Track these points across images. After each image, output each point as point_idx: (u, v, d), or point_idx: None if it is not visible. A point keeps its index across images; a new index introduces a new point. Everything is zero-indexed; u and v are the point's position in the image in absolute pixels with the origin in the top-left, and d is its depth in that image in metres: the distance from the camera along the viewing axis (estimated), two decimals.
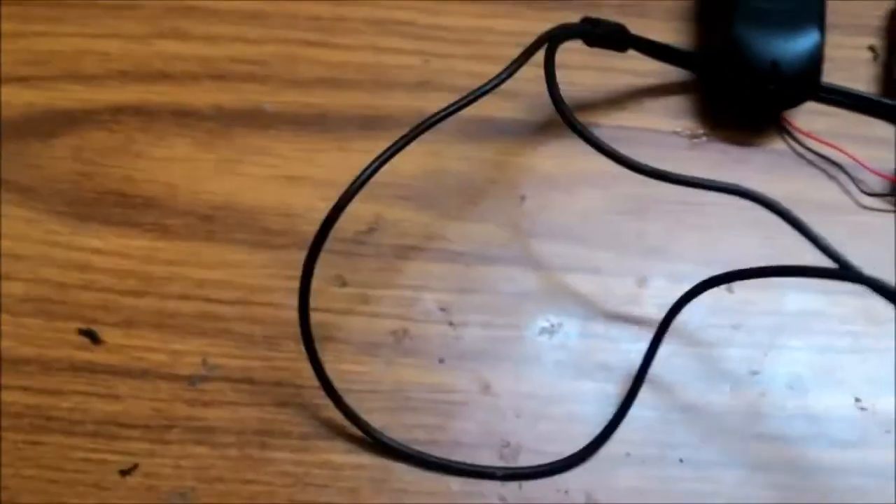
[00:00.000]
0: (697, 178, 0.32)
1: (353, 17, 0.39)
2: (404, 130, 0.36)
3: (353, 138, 0.37)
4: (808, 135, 0.37)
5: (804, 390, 0.33)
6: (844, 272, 0.30)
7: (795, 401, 0.33)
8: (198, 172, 0.36)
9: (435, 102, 0.37)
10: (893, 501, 0.32)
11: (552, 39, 0.33)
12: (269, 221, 0.35)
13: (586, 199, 0.36)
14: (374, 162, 0.30)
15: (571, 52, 0.36)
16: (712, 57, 0.36)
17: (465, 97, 0.31)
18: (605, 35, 0.35)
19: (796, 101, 0.36)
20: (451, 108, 0.31)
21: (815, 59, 0.34)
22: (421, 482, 0.32)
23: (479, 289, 0.35)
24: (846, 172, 0.36)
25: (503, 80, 0.32)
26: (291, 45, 0.39)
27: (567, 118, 0.32)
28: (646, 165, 0.32)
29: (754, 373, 0.34)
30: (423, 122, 0.31)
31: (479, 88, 0.31)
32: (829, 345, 0.34)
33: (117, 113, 0.37)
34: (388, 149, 0.30)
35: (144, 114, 0.37)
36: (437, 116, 0.31)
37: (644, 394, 0.33)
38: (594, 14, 0.36)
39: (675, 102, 0.38)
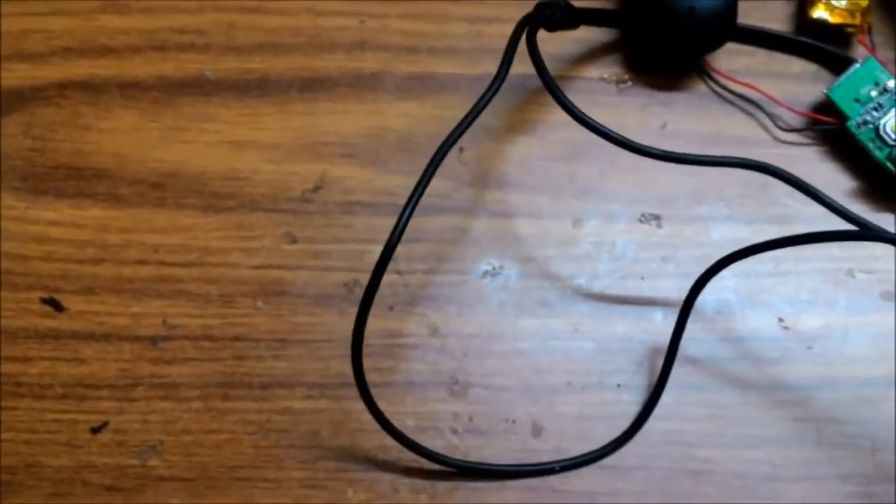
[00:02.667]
0: (709, 157, 0.34)
1: None
2: (343, 91, 0.38)
3: (293, 100, 0.38)
4: (726, 76, 0.39)
5: (731, 314, 0.36)
6: (866, 232, 0.32)
7: (723, 324, 0.36)
8: (145, 142, 0.38)
9: (371, 62, 0.38)
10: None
11: (531, 24, 0.34)
12: (217, 185, 0.37)
13: (522, 147, 0.38)
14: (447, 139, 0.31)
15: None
16: (636, 10, 0.38)
17: (481, 100, 0.33)
18: (564, 19, 0.36)
19: (715, 45, 0.37)
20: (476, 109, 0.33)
21: (730, 3, 0.36)
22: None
23: (423, 238, 0.37)
24: (763, 109, 0.38)
25: (505, 75, 0.34)
26: (229, 12, 0.40)
27: (561, 101, 0.34)
28: (646, 146, 0.34)
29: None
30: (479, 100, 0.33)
31: (489, 88, 0.33)
32: (753, 270, 0.36)
33: (64, 89, 0.38)
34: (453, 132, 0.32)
35: (90, 88, 0.38)
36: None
37: (584, 325, 0.35)
38: None
39: (602, 53, 0.40)
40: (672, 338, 0.34)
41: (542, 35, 0.37)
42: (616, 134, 0.34)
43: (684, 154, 0.34)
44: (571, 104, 0.34)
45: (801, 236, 0.31)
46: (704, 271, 0.33)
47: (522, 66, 0.36)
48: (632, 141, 0.34)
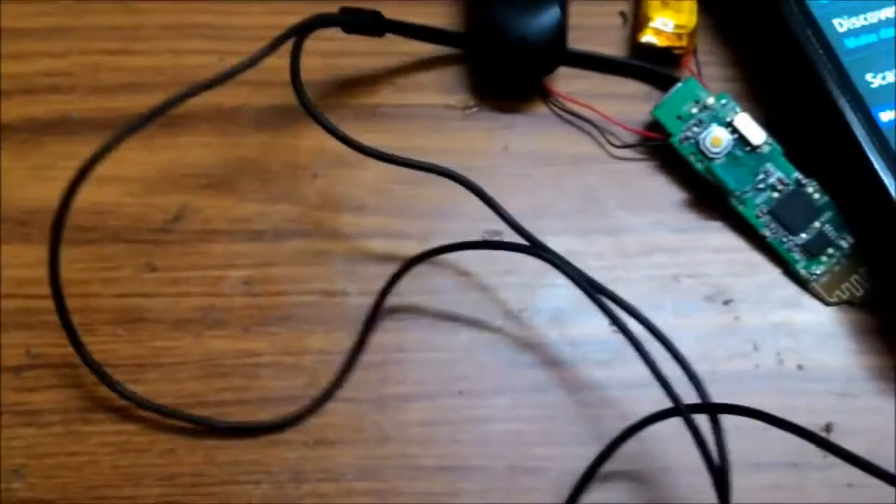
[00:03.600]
0: (405, 159, 0.37)
1: (151, 25, 0.42)
2: (205, 126, 0.40)
3: (156, 136, 0.40)
4: (564, 97, 0.41)
5: (565, 321, 0.38)
6: (532, 248, 0.36)
7: (558, 330, 0.38)
8: (13, 181, 0.39)
9: (231, 97, 0.41)
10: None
11: (301, 30, 0.37)
12: (81, 219, 0.39)
13: (372, 172, 0.40)
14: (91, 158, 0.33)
15: (355, 40, 0.40)
16: (471, 35, 0.41)
17: (189, 90, 0.35)
18: (361, 23, 0.39)
19: (547, 69, 0.40)
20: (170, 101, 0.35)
21: (558, 32, 0.39)
22: (230, 437, 0.36)
23: (278, 262, 0.39)
24: (598, 128, 0.41)
25: (240, 71, 0.36)
26: (94, 54, 0.42)
27: (307, 106, 0.37)
28: (365, 145, 0.37)
29: (522, 310, 0.38)
30: (138, 119, 0.34)
31: (196, 84, 0.35)
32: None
33: None
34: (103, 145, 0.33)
35: None
36: (148, 114, 0.35)
37: (426, 335, 0.38)
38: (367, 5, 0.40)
39: (449, 78, 0.42)
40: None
41: (391, 63, 0.40)
42: (360, 144, 0.37)
43: (391, 154, 0.38)
44: (321, 115, 0.37)
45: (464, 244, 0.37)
46: (390, 277, 0.37)
47: (382, 95, 0.38)
48: (369, 147, 0.37)
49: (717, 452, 0.34)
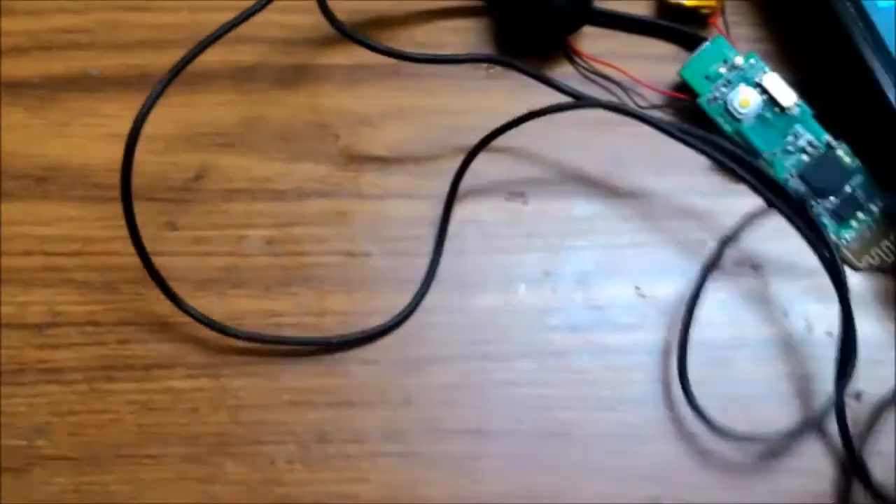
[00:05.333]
0: (438, 55, 0.38)
1: None
2: (223, 83, 0.40)
3: (175, 94, 0.40)
4: (589, 58, 0.40)
5: (590, 284, 0.38)
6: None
7: (583, 294, 0.38)
8: (30, 138, 0.39)
9: (249, 55, 0.40)
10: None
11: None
12: (100, 177, 0.38)
13: (395, 132, 0.40)
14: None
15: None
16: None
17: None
18: None
19: (572, 28, 0.39)
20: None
21: None
22: (254, 396, 0.36)
23: (300, 222, 0.39)
24: (624, 88, 0.40)
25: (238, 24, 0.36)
26: (113, 11, 0.41)
27: (343, 30, 0.37)
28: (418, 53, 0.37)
29: (546, 273, 0.38)
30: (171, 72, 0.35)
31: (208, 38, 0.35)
32: (611, 242, 0.38)
33: None
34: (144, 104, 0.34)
35: None
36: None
37: (451, 299, 0.37)
38: None
39: (471, 37, 0.41)
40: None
41: (415, 25, 0.39)
42: (369, 41, 0.37)
43: (422, 54, 0.38)
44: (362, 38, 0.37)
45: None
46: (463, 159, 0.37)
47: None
48: (381, 45, 0.37)
49: None
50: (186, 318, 0.37)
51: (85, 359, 0.36)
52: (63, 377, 0.36)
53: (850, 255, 0.38)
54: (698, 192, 0.39)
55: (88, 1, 0.41)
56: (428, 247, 0.38)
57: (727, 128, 0.39)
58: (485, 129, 0.38)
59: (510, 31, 0.41)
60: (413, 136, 0.39)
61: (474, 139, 0.38)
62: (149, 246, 0.37)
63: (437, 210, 0.38)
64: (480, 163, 0.39)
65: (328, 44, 0.40)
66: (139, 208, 0.38)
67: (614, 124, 0.40)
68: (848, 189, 0.38)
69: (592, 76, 0.41)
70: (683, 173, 0.39)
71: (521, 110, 0.40)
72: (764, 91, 0.38)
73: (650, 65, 0.41)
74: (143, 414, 0.36)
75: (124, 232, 0.37)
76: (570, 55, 0.41)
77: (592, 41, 0.41)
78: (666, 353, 0.37)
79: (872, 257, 0.38)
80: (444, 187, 0.39)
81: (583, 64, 0.41)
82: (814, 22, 0.39)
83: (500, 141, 0.38)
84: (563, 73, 0.41)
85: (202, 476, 0.35)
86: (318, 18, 0.40)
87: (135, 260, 0.38)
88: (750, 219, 0.36)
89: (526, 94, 0.40)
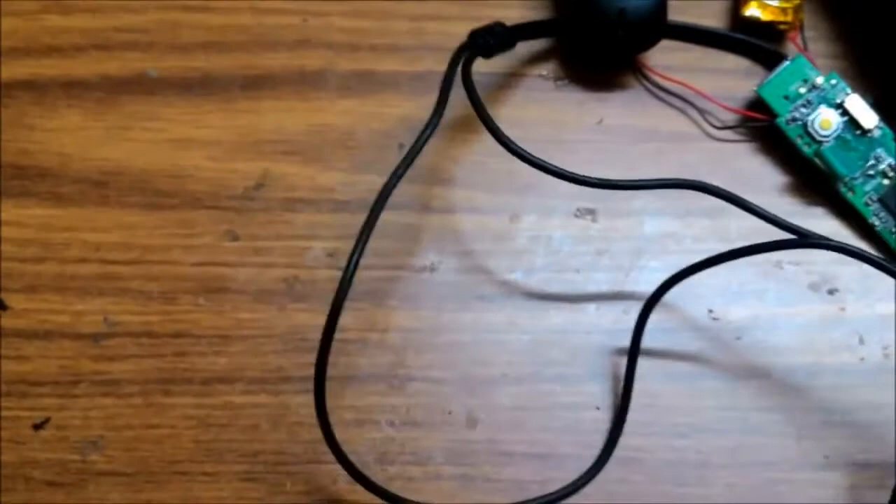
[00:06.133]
0: (642, 181, 0.35)
1: None
2: (286, 88, 0.39)
3: (236, 99, 0.39)
4: (659, 74, 0.39)
5: (663, 305, 0.37)
6: (804, 240, 0.33)
7: (655, 315, 0.36)
8: (89, 141, 0.38)
9: (314, 60, 0.39)
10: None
11: (466, 60, 0.35)
12: (160, 183, 0.37)
13: (462, 144, 0.39)
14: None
15: (444, 4, 0.39)
16: (567, 15, 0.38)
17: (418, 140, 0.34)
18: (500, 42, 0.37)
19: (646, 45, 0.38)
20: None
21: (659, 5, 0.37)
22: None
23: None
24: (695, 106, 0.39)
25: (441, 112, 0.34)
26: (172, 11, 0.40)
27: (496, 133, 0.34)
28: (581, 176, 0.34)
29: (617, 293, 0.37)
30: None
31: (427, 125, 0.34)
32: (684, 263, 0.37)
33: (9, 89, 0.38)
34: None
35: (35, 88, 0.39)
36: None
37: (520, 318, 0.36)
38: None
39: (538, 47, 0.40)
40: (630, 350, 0.35)
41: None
42: (551, 165, 0.34)
43: (619, 180, 0.35)
44: (507, 138, 0.34)
45: (748, 248, 0.33)
46: (667, 279, 0.35)
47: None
48: (566, 171, 0.34)
49: None
50: (246, 332, 0.36)
51: (141, 371, 0.35)
52: (119, 390, 0.35)
53: None
54: (773, 211, 0.37)
55: (147, 1, 0.40)
56: (495, 262, 0.37)
57: (806, 150, 0.37)
58: (553, 142, 0.37)
59: (580, 47, 0.39)
60: (480, 147, 0.38)
61: (542, 151, 0.37)
62: (208, 256, 0.37)
63: (504, 225, 0.37)
64: (549, 177, 0.38)
65: (394, 51, 0.39)
66: (198, 216, 0.37)
67: (686, 140, 0.39)
68: None
69: (661, 93, 0.40)
70: (758, 192, 0.38)
71: (591, 123, 0.39)
72: (845, 112, 0.37)
73: (723, 79, 0.40)
74: (200, 429, 0.35)
75: (183, 241, 0.37)
76: (639, 70, 0.40)
77: (665, 53, 0.40)
78: (738, 379, 0.36)
79: None
80: (512, 201, 0.37)
81: (651, 79, 0.39)
82: (894, 38, 0.38)
83: (566, 155, 0.37)
84: (633, 87, 0.40)
85: (260, 495, 0.35)
86: (382, 24, 0.39)
87: (194, 270, 0.37)
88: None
89: (595, 107, 0.39)
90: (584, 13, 0.37)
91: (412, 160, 0.33)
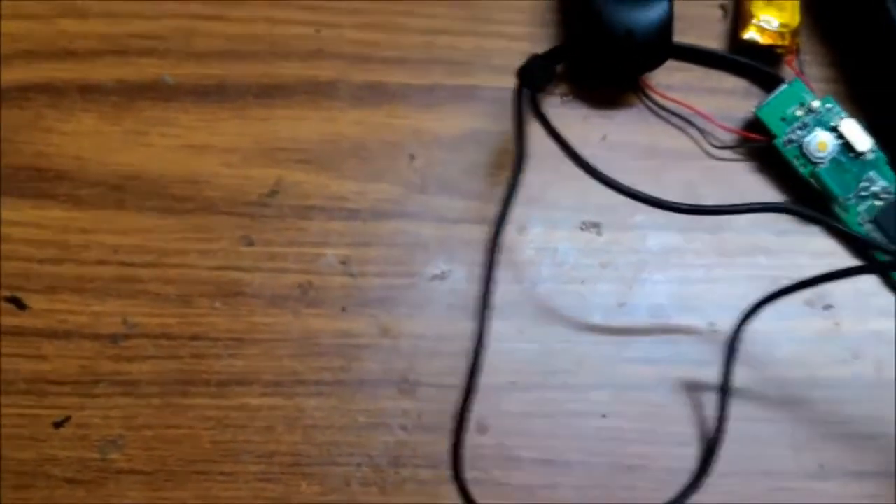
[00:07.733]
0: (731, 206, 0.37)
1: None
2: (300, 98, 0.39)
3: (250, 106, 0.40)
4: (660, 94, 0.41)
5: (665, 317, 0.38)
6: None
7: (657, 327, 0.38)
8: (106, 145, 0.39)
9: (327, 71, 0.40)
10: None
11: (533, 98, 0.37)
12: (176, 188, 0.38)
13: (471, 155, 0.40)
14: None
15: (453, 17, 0.40)
16: (576, 34, 0.40)
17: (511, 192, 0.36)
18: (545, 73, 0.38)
19: (652, 65, 0.40)
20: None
21: (666, 27, 0.38)
22: (329, 417, 0.36)
23: (375, 242, 0.38)
24: (695, 125, 0.41)
25: (522, 155, 0.36)
26: (188, 19, 0.41)
27: (585, 165, 0.35)
28: (674, 203, 0.35)
29: (621, 304, 0.38)
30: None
31: (515, 172, 0.36)
32: (686, 276, 0.38)
33: (26, 91, 0.39)
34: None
35: (52, 91, 0.39)
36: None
37: (528, 328, 0.37)
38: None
39: None
40: (723, 381, 0.36)
41: (487, 45, 0.39)
42: (645, 194, 0.35)
43: (710, 206, 0.36)
44: (595, 168, 0.35)
45: (829, 274, 0.35)
46: (744, 315, 0.37)
47: (478, 77, 0.37)
48: (661, 199, 0.35)
49: None
50: (261, 335, 0.37)
51: (160, 372, 0.36)
52: (137, 390, 0.36)
53: None
54: (773, 228, 0.39)
55: (163, 6, 0.41)
56: (503, 273, 0.38)
57: (803, 170, 0.39)
58: (558, 157, 0.38)
59: (586, 66, 0.40)
60: (489, 159, 0.39)
61: (548, 167, 0.38)
62: (224, 260, 0.37)
63: (512, 236, 0.38)
64: (554, 190, 0.39)
65: (404, 63, 0.40)
66: (214, 221, 0.38)
67: (687, 158, 0.40)
68: None
69: (663, 112, 0.41)
70: None
71: (596, 139, 0.40)
72: (840, 136, 0.39)
73: (723, 99, 0.41)
74: (218, 430, 0.36)
75: (200, 245, 0.37)
76: (640, 89, 0.41)
77: (667, 73, 0.41)
78: (739, 390, 0.37)
79: None
80: (520, 213, 0.39)
81: (653, 99, 0.41)
82: (887, 64, 0.39)
83: (572, 168, 0.38)
84: (635, 105, 0.41)
85: (277, 495, 0.35)
86: (393, 36, 0.40)
87: (210, 274, 0.37)
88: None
89: (599, 123, 0.40)
90: (592, 34, 0.38)
91: (508, 208, 0.37)
